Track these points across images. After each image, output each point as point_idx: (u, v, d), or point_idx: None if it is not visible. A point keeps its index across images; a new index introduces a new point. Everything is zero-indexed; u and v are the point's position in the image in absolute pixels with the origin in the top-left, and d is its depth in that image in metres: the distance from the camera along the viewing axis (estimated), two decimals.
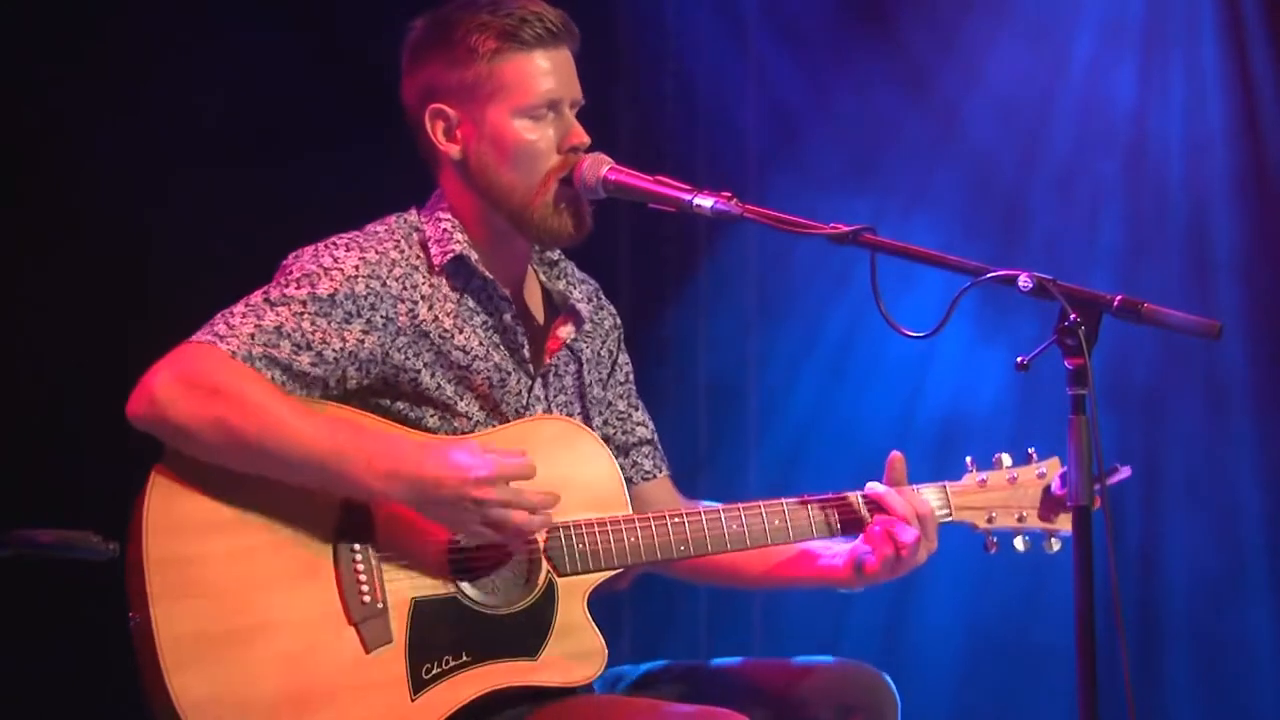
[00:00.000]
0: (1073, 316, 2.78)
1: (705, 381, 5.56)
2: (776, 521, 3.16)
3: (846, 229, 2.97)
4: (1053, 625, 5.25)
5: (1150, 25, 5.51)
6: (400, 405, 3.06)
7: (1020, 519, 3.24)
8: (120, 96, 4.39)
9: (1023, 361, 2.81)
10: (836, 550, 3.22)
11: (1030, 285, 2.83)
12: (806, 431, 5.56)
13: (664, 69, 5.44)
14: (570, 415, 3.23)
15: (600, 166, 3.10)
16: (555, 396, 3.22)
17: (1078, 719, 2.74)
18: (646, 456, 3.40)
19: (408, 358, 3.05)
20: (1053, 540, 3.23)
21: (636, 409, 3.41)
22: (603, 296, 3.41)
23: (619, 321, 3.42)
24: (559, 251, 3.31)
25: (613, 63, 5.28)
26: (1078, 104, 5.56)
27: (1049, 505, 3.24)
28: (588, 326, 3.30)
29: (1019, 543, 3.23)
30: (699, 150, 5.48)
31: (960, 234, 5.45)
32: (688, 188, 3.07)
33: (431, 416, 3.07)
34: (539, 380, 3.19)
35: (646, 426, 3.40)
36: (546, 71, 3.10)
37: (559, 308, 3.27)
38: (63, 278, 4.31)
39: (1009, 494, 3.24)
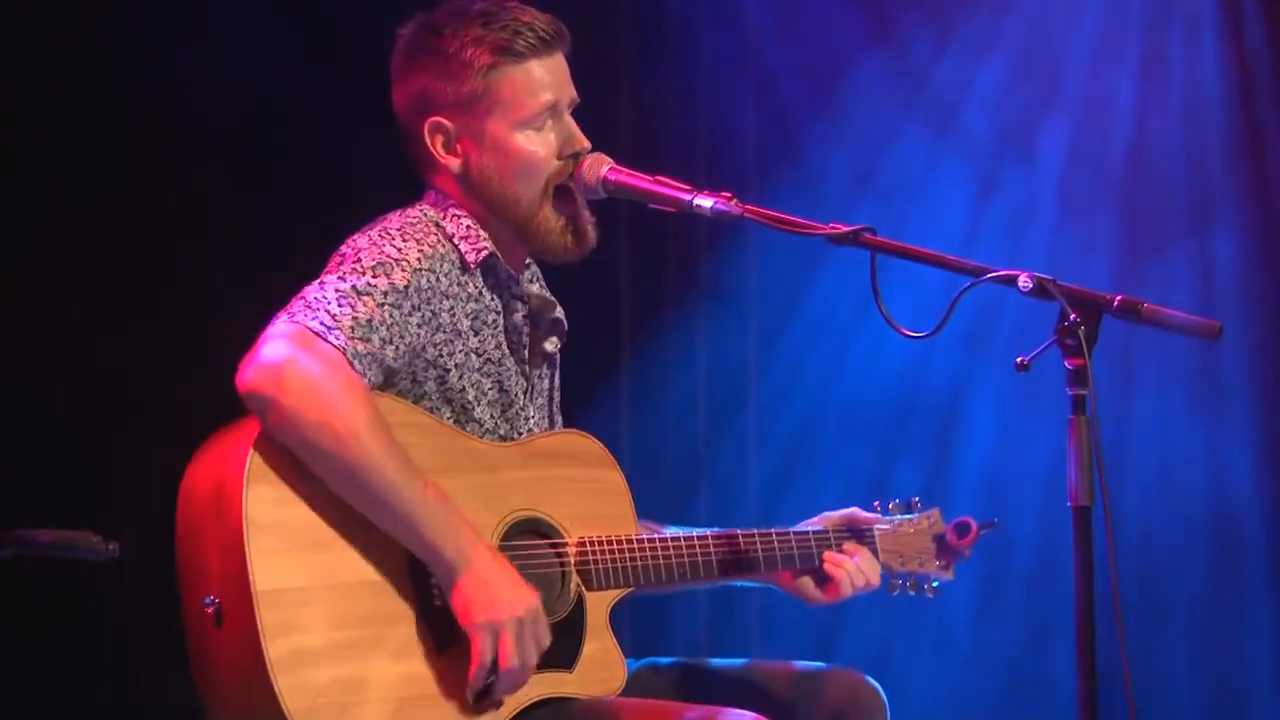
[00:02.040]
0: (1073, 317, 2.78)
1: (705, 382, 5.56)
2: (782, 551, 3.29)
3: (846, 229, 2.97)
4: (1052, 627, 5.25)
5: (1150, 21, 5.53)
6: (424, 403, 3.05)
7: (920, 564, 3.47)
8: (119, 93, 4.38)
9: (1023, 361, 2.81)
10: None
11: (1030, 285, 2.83)
12: (806, 432, 5.55)
13: (664, 69, 5.44)
14: (545, 418, 3.25)
15: (600, 166, 3.11)
16: (535, 400, 3.23)
17: None
18: None
19: (441, 354, 3.05)
20: (931, 585, 3.48)
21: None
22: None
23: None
24: None
25: (613, 63, 5.28)
26: (1077, 102, 5.57)
27: (941, 552, 3.48)
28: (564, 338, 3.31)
29: (909, 586, 3.47)
30: (699, 150, 5.48)
31: (960, 233, 5.46)
32: (688, 188, 3.07)
33: (448, 417, 3.07)
34: (531, 385, 3.20)
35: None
36: (542, 80, 3.10)
37: (536, 314, 3.25)
38: (63, 277, 4.31)
39: (912, 539, 3.46)
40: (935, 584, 3.48)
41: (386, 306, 2.94)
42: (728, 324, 5.57)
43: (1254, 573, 5.46)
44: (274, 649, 2.76)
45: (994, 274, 2.88)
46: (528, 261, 3.28)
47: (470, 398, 3.08)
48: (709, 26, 5.50)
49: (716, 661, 3.35)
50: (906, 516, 3.47)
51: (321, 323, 2.87)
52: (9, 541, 2.97)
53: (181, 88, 4.46)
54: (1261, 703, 5.43)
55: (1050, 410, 2.86)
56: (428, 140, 3.13)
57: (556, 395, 3.34)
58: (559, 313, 3.26)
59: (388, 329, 2.93)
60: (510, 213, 3.12)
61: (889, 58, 5.53)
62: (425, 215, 3.12)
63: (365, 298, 2.92)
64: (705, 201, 3.03)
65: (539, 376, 3.23)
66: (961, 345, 5.36)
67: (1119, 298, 2.81)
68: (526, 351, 3.19)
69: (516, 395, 3.15)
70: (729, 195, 3.04)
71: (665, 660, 3.34)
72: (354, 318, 2.89)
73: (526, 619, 2.87)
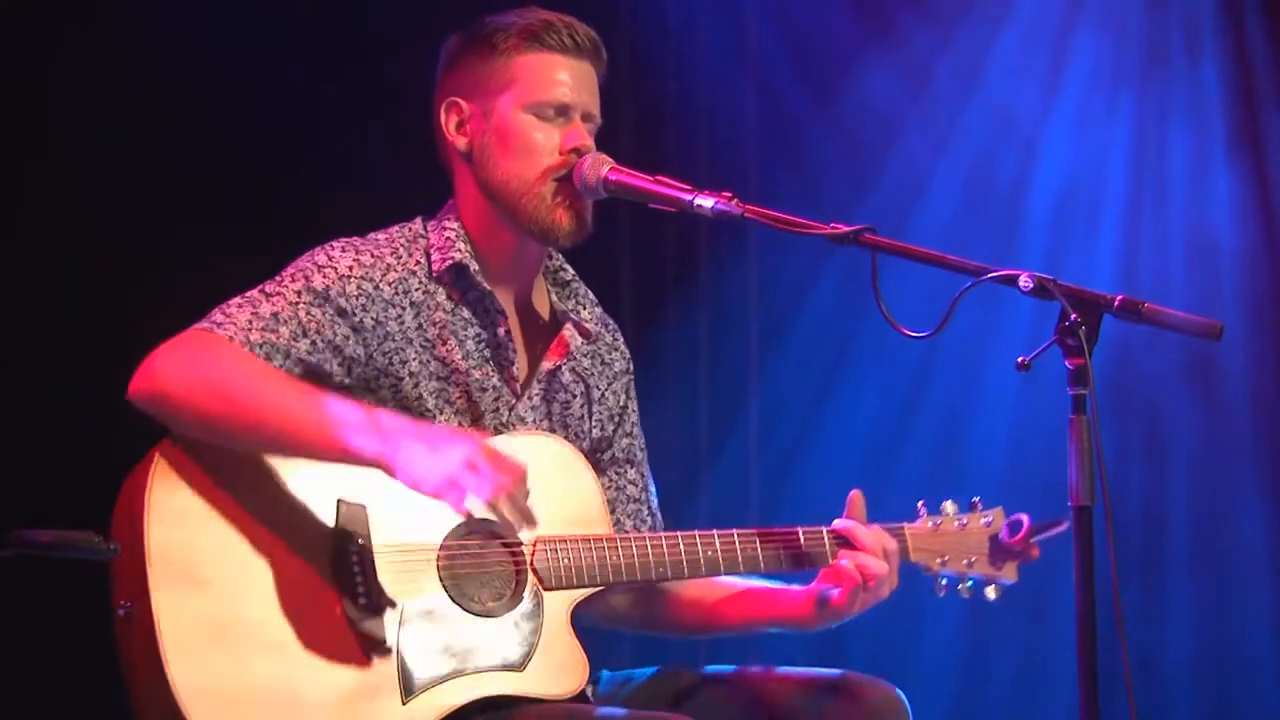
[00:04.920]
0: (1073, 316, 2.77)
1: (705, 383, 5.56)
2: (749, 550, 3.18)
3: (847, 229, 2.97)
4: (1055, 631, 5.25)
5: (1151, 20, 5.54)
6: None
7: (969, 564, 3.33)
8: (119, 92, 4.38)
9: (1023, 361, 2.81)
10: (794, 590, 3.25)
11: (1031, 285, 2.83)
12: (807, 433, 5.55)
13: (665, 69, 5.44)
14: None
15: (601, 166, 3.11)
16: (540, 421, 3.20)
17: None
18: (629, 515, 3.33)
19: (391, 363, 3.06)
20: (992, 587, 3.34)
21: (631, 465, 3.35)
22: (619, 336, 3.38)
23: (630, 365, 3.39)
24: (572, 271, 3.31)
25: (613, 62, 5.26)
26: (1078, 102, 5.57)
27: (997, 553, 3.34)
28: (589, 346, 3.28)
29: (963, 589, 3.34)
30: (699, 150, 5.48)
31: (960, 233, 5.46)
32: (688, 188, 3.07)
33: None
34: (525, 399, 3.18)
35: (637, 485, 3.35)
36: (561, 76, 3.13)
37: (538, 329, 3.24)
38: (62, 278, 4.31)
39: (958, 539, 3.34)
40: (992, 586, 3.32)
41: (301, 305, 2.97)
42: (728, 324, 5.57)
43: (1255, 576, 5.47)
44: (170, 646, 2.79)
45: (994, 274, 2.88)
46: (569, 278, 3.27)
47: (429, 405, 3.07)
48: (709, 26, 5.50)
49: (713, 669, 3.29)
50: (954, 516, 3.33)
51: (211, 321, 2.93)
52: (9, 541, 2.96)
53: (181, 87, 4.45)
54: (1262, 706, 5.43)
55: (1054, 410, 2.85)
56: (443, 120, 3.16)
57: (594, 430, 3.28)
58: (582, 321, 3.24)
59: (299, 324, 2.96)
60: (501, 193, 3.12)
61: (890, 56, 5.53)
62: (406, 231, 3.16)
63: (274, 297, 2.98)
64: (706, 201, 3.03)
65: (547, 396, 3.21)
66: (964, 345, 5.36)
67: (1119, 297, 2.81)
68: (516, 368, 3.17)
69: (495, 409, 3.13)
70: (730, 195, 3.04)
71: (668, 669, 3.29)
72: (253, 313, 2.94)
73: (473, 452, 2.81)
